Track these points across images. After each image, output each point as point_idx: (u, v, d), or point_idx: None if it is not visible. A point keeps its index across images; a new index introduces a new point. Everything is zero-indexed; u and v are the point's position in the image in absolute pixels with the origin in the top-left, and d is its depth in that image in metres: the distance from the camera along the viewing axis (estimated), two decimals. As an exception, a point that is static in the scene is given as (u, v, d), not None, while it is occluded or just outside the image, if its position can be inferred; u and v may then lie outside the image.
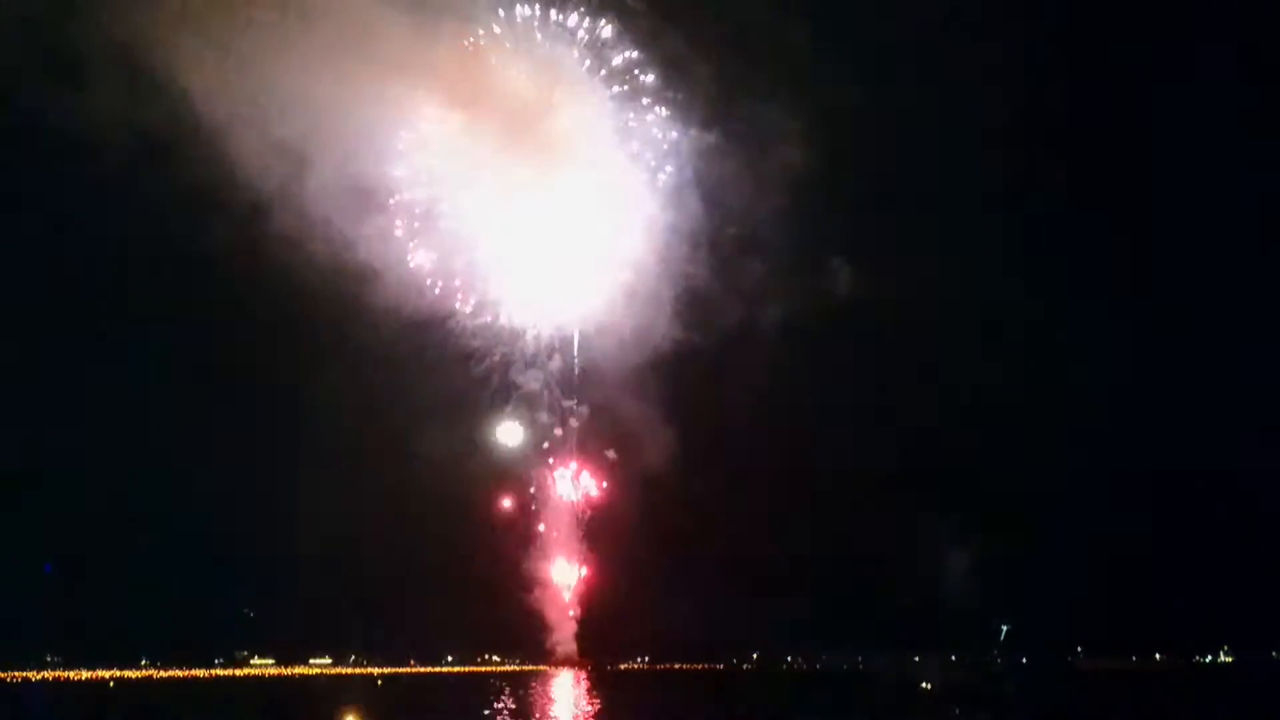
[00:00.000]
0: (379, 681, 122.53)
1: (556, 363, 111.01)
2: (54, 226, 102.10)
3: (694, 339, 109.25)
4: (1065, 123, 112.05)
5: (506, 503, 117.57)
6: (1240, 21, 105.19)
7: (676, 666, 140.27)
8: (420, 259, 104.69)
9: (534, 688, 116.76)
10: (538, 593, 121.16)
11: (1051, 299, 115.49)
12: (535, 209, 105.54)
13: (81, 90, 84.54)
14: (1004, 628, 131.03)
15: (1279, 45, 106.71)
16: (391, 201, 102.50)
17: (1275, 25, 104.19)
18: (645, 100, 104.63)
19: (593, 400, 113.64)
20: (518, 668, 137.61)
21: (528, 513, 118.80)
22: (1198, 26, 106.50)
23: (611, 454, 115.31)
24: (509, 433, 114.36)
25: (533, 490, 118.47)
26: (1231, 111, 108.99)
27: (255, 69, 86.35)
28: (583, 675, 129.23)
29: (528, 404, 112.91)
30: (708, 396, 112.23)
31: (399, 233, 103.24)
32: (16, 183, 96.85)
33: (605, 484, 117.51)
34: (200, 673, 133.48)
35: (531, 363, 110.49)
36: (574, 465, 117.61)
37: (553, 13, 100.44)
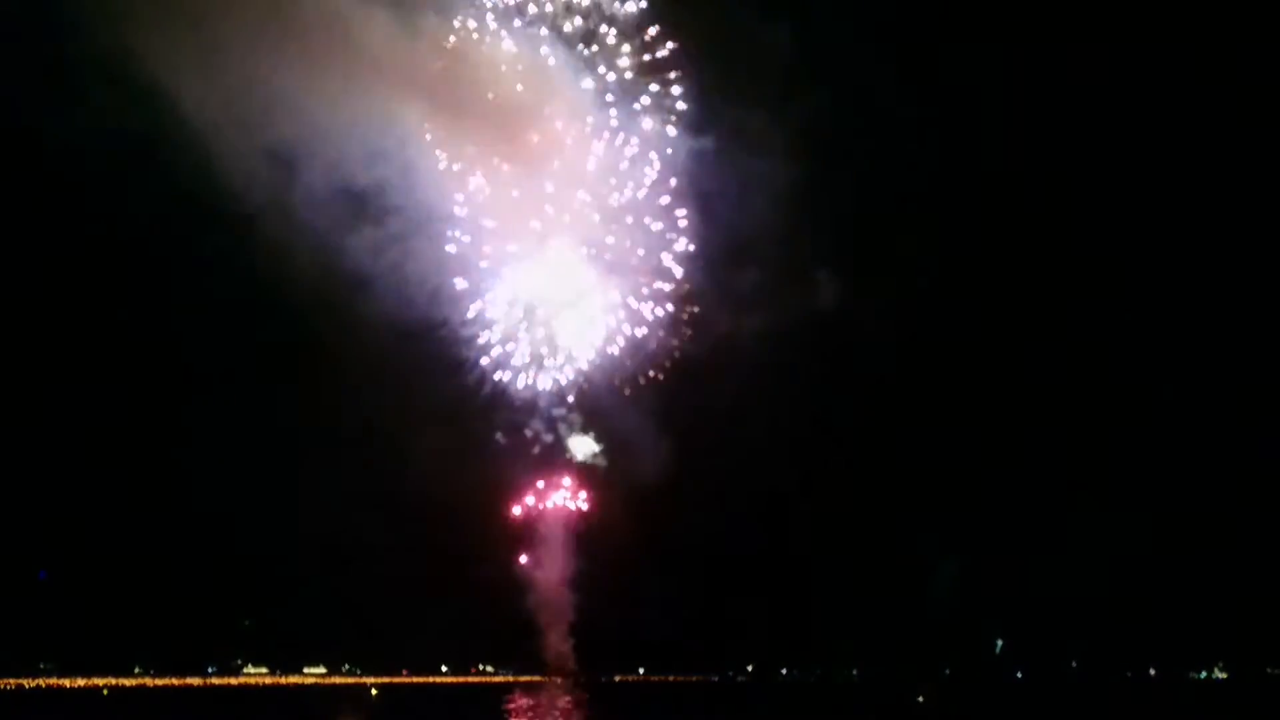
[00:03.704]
0: (374, 691, 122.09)
1: (549, 371, 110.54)
2: (37, 231, 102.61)
3: (687, 348, 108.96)
4: (1063, 127, 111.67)
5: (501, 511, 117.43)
6: None
7: (672, 678, 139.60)
8: (411, 267, 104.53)
9: (531, 700, 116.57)
10: (532, 603, 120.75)
11: (1047, 304, 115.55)
12: (526, 214, 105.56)
13: (65, 95, 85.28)
14: (999, 641, 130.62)
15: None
16: (381, 208, 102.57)
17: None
18: (638, 105, 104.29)
19: (585, 408, 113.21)
20: (512, 678, 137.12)
21: (521, 522, 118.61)
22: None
23: (603, 461, 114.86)
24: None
25: (526, 499, 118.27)
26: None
27: (241, 72, 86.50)
28: (578, 687, 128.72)
29: (520, 412, 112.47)
30: (702, 405, 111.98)
31: (389, 240, 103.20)
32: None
33: (598, 492, 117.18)
34: (195, 681, 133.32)
35: (523, 371, 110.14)
36: (566, 474, 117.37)
37: (539, 15, 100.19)
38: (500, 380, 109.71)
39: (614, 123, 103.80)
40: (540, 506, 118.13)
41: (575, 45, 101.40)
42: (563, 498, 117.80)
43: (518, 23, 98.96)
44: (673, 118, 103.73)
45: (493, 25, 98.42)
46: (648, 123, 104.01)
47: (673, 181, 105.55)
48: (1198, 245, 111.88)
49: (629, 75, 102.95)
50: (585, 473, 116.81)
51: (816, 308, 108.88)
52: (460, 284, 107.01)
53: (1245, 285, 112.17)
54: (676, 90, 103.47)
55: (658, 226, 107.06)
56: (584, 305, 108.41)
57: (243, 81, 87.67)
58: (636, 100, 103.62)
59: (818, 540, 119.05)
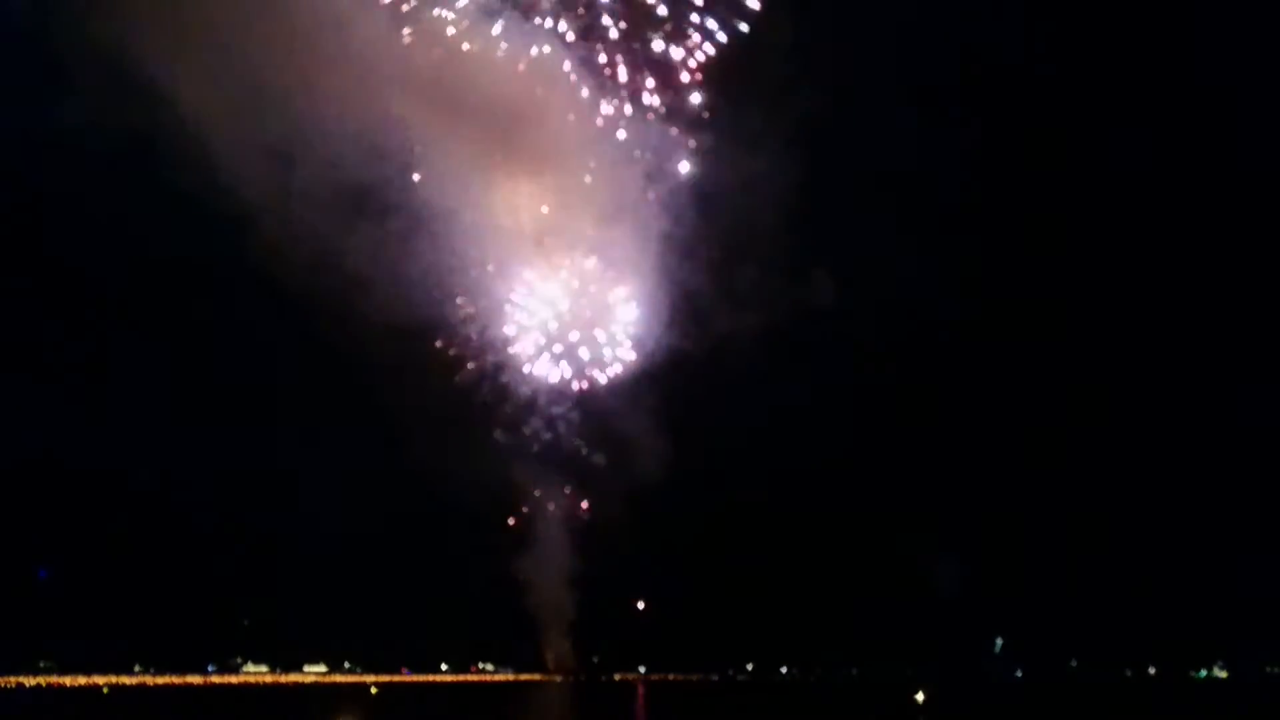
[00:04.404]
0: (373, 690, 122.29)
1: (548, 370, 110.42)
2: (33, 230, 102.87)
3: (688, 346, 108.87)
4: (1058, 129, 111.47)
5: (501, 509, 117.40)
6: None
7: (671, 677, 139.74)
8: (409, 266, 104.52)
9: (529, 699, 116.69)
10: (532, 602, 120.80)
11: (1048, 303, 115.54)
12: (525, 214, 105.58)
13: (61, 93, 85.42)
14: (998, 640, 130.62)
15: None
16: (379, 207, 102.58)
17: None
18: (638, 103, 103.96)
19: (584, 407, 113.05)
20: (512, 677, 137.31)
21: (521, 520, 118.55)
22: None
23: (602, 460, 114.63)
24: None
25: (526, 499, 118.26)
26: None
27: (239, 70, 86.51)
28: (577, 685, 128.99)
29: (519, 411, 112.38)
30: (701, 404, 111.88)
31: (387, 239, 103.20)
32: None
33: (597, 491, 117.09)
34: (195, 679, 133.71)
35: (522, 369, 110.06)
36: (565, 472, 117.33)
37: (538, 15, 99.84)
38: (500, 379, 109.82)
39: (614, 121, 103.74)
40: (539, 505, 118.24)
41: (575, 42, 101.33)
42: (562, 494, 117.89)
43: (517, 20, 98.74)
44: (683, 123, 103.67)
45: (491, 23, 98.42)
46: (651, 122, 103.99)
47: (673, 180, 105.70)
48: (1199, 244, 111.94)
49: (630, 72, 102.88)
50: (585, 471, 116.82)
51: (816, 306, 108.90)
52: (459, 283, 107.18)
53: (1245, 286, 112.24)
54: (694, 100, 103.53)
55: (658, 225, 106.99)
56: (583, 304, 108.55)
57: (239, 80, 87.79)
58: (639, 100, 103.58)
59: (817, 539, 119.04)
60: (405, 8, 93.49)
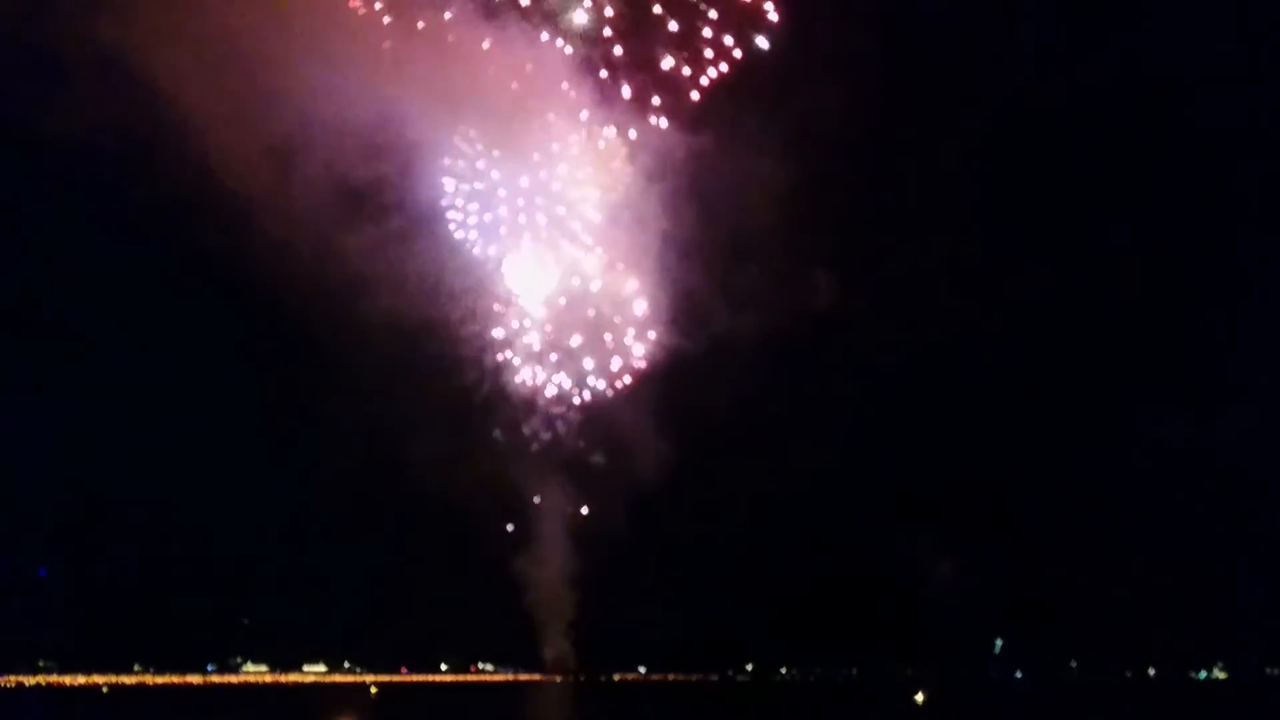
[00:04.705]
0: (373, 690, 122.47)
1: (547, 369, 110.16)
2: (29, 231, 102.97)
3: (687, 346, 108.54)
4: (1055, 135, 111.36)
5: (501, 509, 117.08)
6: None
7: (670, 677, 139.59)
8: (409, 266, 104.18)
9: (528, 700, 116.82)
10: (531, 602, 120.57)
11: (1048, 304, 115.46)
12: (525, 213, 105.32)
13: (60, 91, 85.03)
14: (998, 641, 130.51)
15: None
16: (380, 206, 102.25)
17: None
18: (637, 103, 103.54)
19: (583, 406, 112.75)
20: (512, 677, 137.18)
21: (521, 520, 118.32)
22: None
23: (601, 459, 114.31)
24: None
25: (526, 499, 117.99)
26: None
27: (238, 67, 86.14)
28: (577, 686, 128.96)
29: (518, 410, 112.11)
30: (700, 404, 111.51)
31: (388, 239, 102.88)
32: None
33: (597, 490, 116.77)
34: (194, 679, 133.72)
35: (521, 369, 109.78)
36: (565, 470, 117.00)
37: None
38: (499, 379, 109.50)
39: (613, 119, 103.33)
40: (539, 503, 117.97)
41: (575, 39, 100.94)
42: (561, 496, 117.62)
43: (517, 23, 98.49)
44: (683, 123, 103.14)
45: (492, 26, 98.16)
46: (648, 119, 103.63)
47: (673, 180, 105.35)
48: (1204, 246, 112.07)
49: (631, 71, 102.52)
50: (585, 471, 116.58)
51: (815, 307, 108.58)
52: (459, 282, 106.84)
53: (1246, 285, 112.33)
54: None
55: (657, 224, 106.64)
56: (581, 302, 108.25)
57: (238, 76, 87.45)
58: (636, 97, 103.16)
59: (817, 539, 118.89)
60: (388, 19, 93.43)
